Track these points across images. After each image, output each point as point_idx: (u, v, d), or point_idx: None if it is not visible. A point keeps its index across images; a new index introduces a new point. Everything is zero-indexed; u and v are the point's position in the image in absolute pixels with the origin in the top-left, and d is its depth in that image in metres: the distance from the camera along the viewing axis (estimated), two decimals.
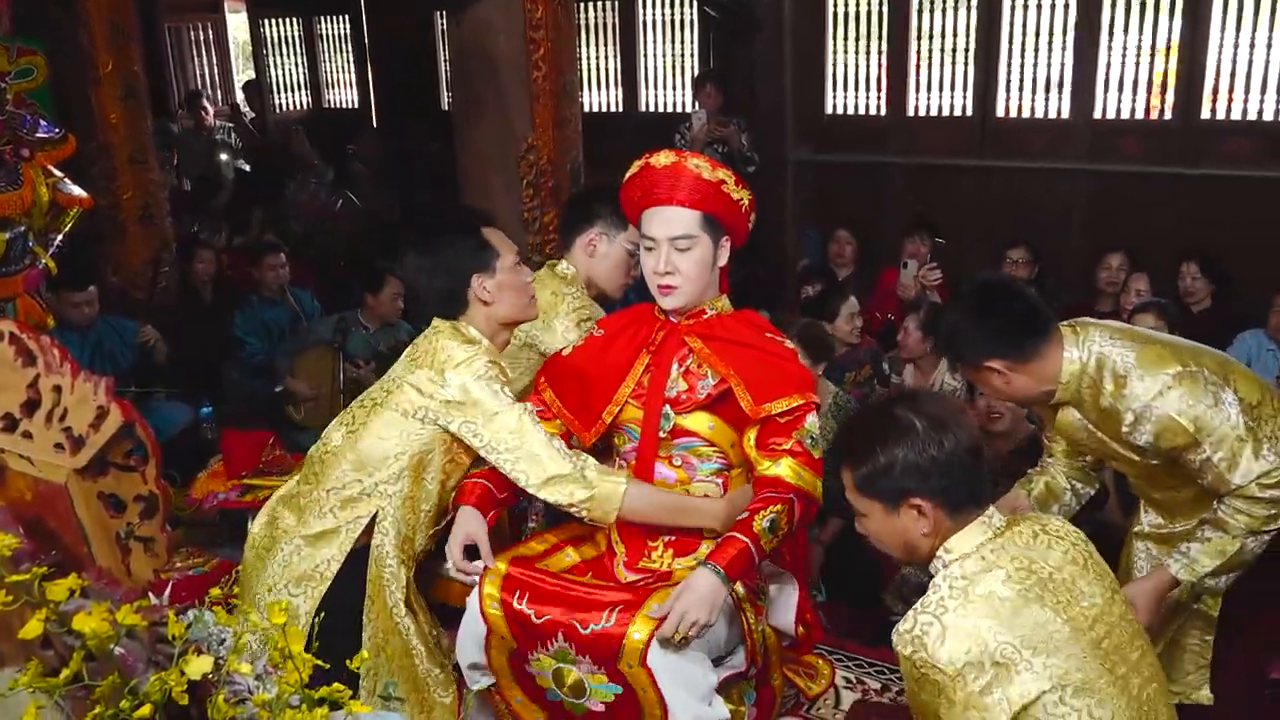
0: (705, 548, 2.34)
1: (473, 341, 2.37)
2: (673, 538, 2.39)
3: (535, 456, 2.27)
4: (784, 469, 2.23)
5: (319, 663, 1.36)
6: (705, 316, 2.36)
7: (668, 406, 2.34)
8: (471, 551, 2.28)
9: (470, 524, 2.29)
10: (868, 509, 1.83)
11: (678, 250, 2.27)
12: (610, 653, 2.11)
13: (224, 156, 7.99)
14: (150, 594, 1.51)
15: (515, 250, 2.47)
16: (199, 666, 1.28)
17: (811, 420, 2.29)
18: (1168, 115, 5.69)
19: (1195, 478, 2.27)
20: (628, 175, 2.35)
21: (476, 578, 2.25)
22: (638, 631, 2.09)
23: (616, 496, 2.27)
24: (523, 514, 2.78)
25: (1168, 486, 2.42)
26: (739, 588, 2.32)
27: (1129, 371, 2.22)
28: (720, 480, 2.38)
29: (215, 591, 1.49)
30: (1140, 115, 5.78)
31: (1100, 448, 2.38)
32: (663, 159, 2.29)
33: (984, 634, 1.63)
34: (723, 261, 2.35)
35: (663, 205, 2.28)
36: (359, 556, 2.36)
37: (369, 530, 2.36)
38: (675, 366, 2.36)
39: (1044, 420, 2.60)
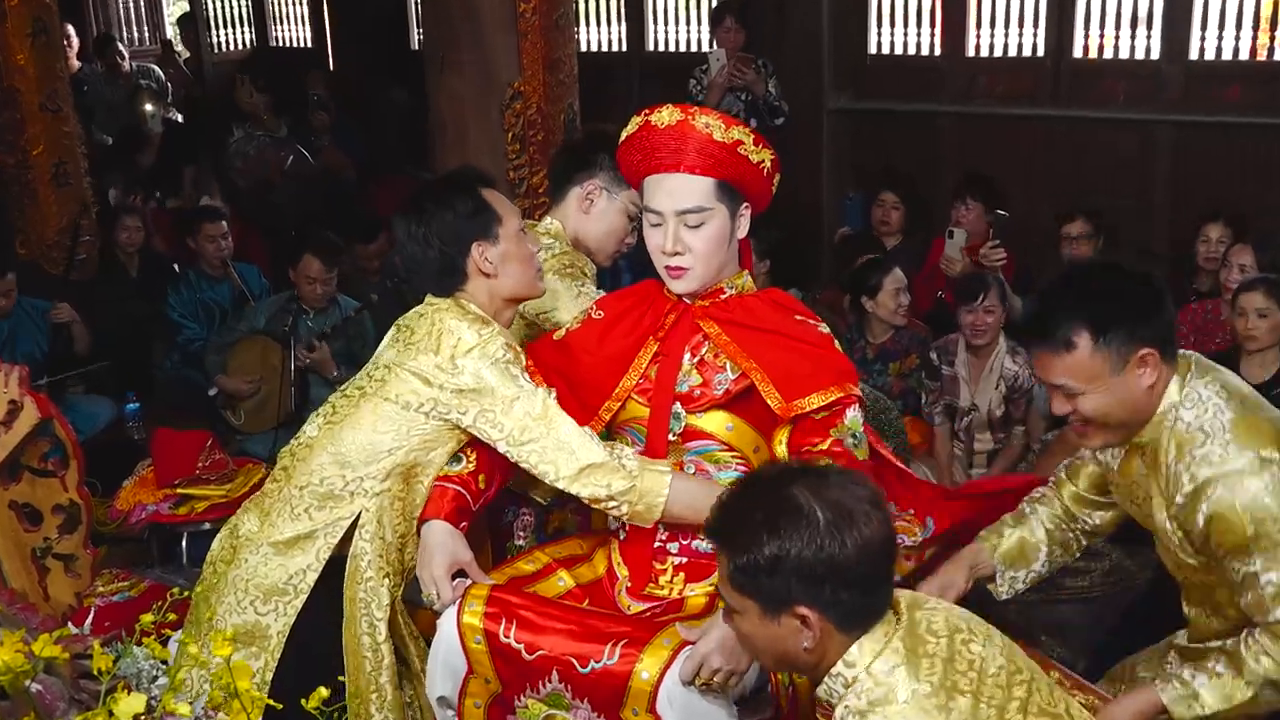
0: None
1: (484, 321, 2.40)
2: (683, 560, 2.39)
3: (565, 444, 2.29)
4: None
5: (271, 703, 1.38)
6: (723, 297, 2.36)
7: (678, 404, 2.34)
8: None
9: (452, 543, 2.30)
10: (740, 606, 1.78)
11: (687, 226, 2.25)
12: (614, 696, 2.10)
13: (148, 106, 7.94)
14: (70, 623, 1.53)
15: (519, 215, 2.49)
16: (130, 706, 1.29)
17: (853, 415, 2.30)
18: (1277, 55, 5.67)
19: (1234, 592, 2.15)
20: (624, 135, 2.34)
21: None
22: (646, 670, 2.08)
23: (662, 486, 2.28)
24: (508, 529, 2.79)
25: (1211, 603, 2.28)
26: None
27: (1214, 433, 2.10)
28: None
29: (146, 619, 1.51)
30: (1244, 55, 5.76)
31: (1143, 513, 2.26)
32: (665, 117, 2.25)
33: None
34: (742, 233, 2.34)
35: (668, 172, 2.25)
36: (342, 568, 2.39)
37: (350, 537, 2.38)
38: (688, 357, 2.35)
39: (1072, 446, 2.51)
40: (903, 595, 1.83)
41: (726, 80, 5.77)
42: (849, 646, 1.74)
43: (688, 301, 2.37)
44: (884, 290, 4.48)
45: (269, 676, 2.30)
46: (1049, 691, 1.80)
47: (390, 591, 2.40)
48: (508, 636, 2.18)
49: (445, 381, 2.33)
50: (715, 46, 6.00)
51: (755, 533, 1.71)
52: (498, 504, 2.74)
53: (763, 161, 2.28)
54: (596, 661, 2.11)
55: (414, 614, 2.58)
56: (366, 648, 2.37)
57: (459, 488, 2.38)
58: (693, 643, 2.09)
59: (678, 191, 2.25)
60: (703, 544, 2.36)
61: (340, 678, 2.35)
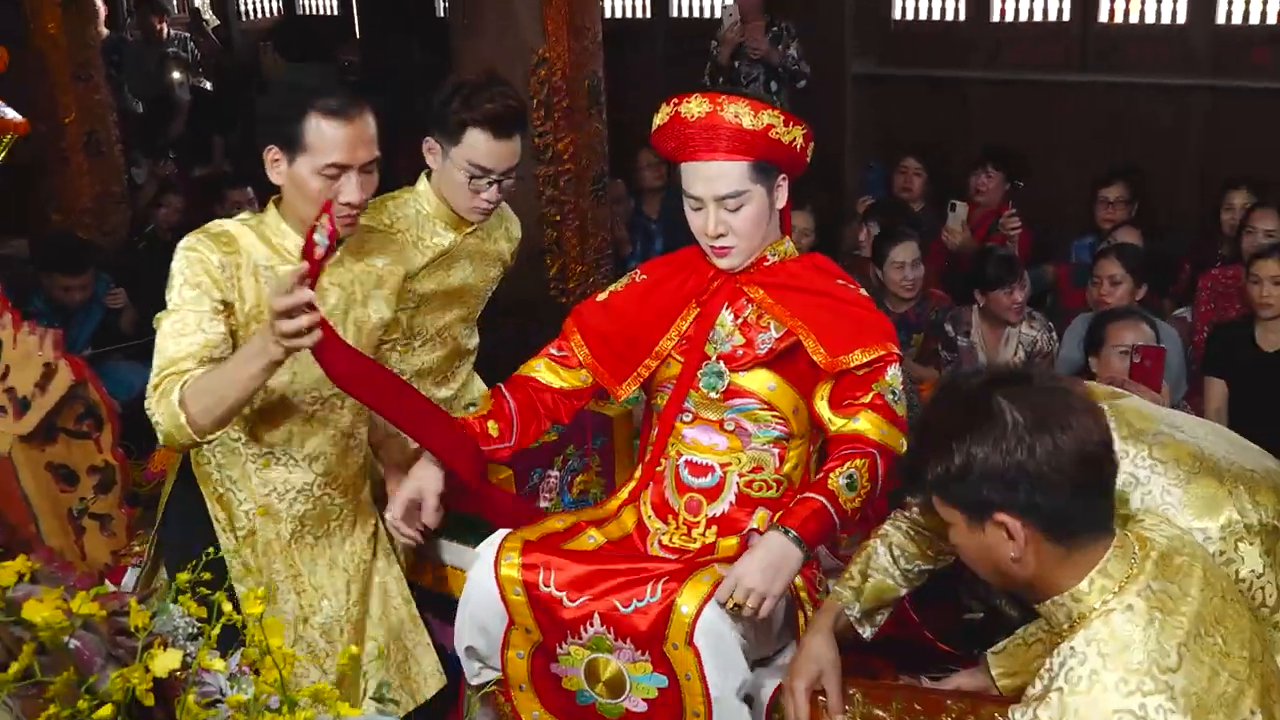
0: (757, 523, 2.37)
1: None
2: (716, 513, 2.41)
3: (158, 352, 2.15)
4: (864, 423, 2.25)
5: (302, 659, 1.39)
6: (767, 264, 2.38)
7: (722, 363, 2.36)
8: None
9: (424, 478, 2.34)
10: (950, 518, 1.74)
11: (728, 210, 2.27)
12: (657, 632, 2.12)
13: (176, 75, 7.93)
14: (107, 580, 1.55)
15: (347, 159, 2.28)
16: (165, 662, 1.30)
17: (893, 372, 2.31)
18: None
19: None
20: (656, 123, 2.34)
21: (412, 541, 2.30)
22: (686, 604, 2.10)
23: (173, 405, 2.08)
24: (534, 492, 2.81)
25: None
26: (796, 577, 2.33)
27: (1171, 519, 1.97)
28: (777, 451, 2.38)
29: (182, 577, 1.52)
30: (1272, 20, 5.66)
31: None
32: (695, 108, 2.24)
33: (1152, 714, 1.52)
34: (781, 204, 2.36)
35: (703, 160, 2.26)
36: None
37: None
38: (729, 316, 2.37)
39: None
40: (1156, 537, 1.73)
41: (738, 35, 5.70)
42: (1068, 565, 1.66)
43: (732, 271, 2.39)
44: (889, 261, 4.45)
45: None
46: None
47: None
48: (548, 585, 2.20)
49: None
50: (729, 2, 5.91)
51: (946, 440, 1.66)
52: (522, 467, 2.76)
53: (794, 139, 2.29)
54: (640, 600, 2.13)
55: (434, 569, 2.68)
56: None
57: (464, 431, 2.39)
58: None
59: (714, 178, 2.26)
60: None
61: None
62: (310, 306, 1.98)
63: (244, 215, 2.39)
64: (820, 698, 2.13)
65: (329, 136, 2.18)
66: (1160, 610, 1.61)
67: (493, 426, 2.42)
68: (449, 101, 2.72)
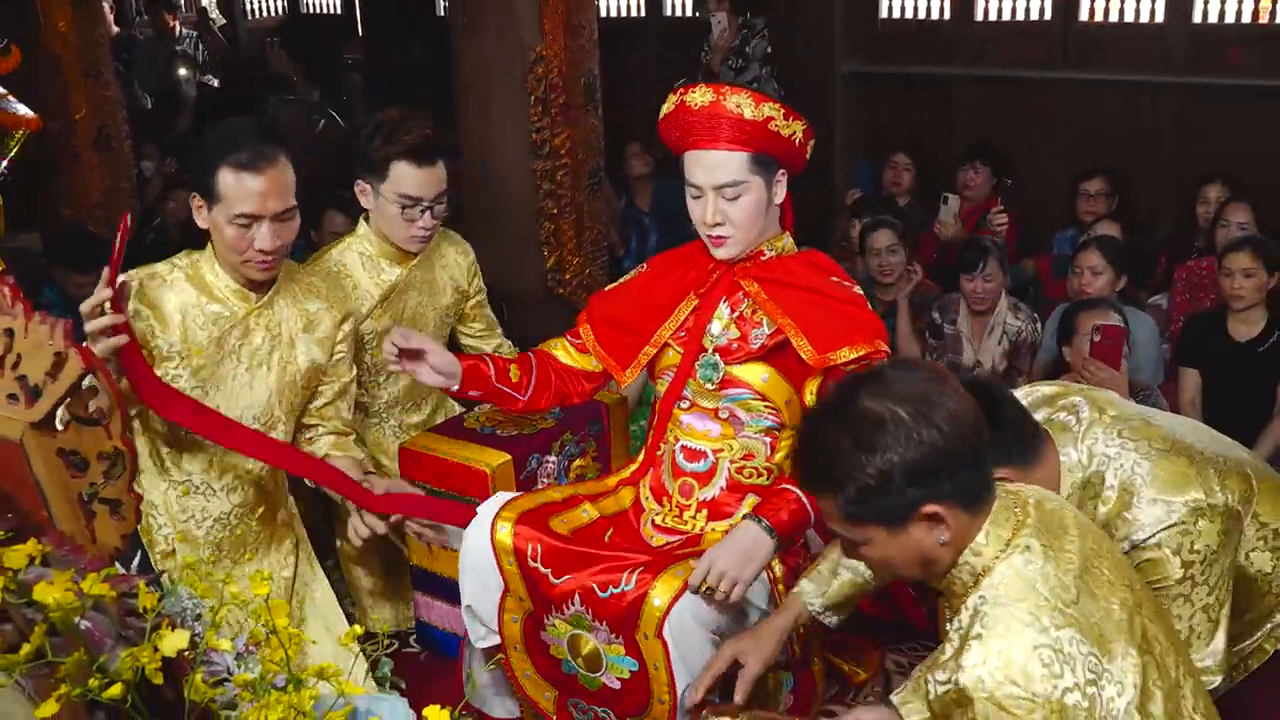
0: (747, 508, 2.38)
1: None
2: (707, 497, 2.43)
3: None
4: None
5: (307, 638, 1.39)
6: (764, 258, 2.38)
7: (718, 355, 2.37)
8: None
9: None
10: (863, 537, 1.66)
11: (726, 199, 2.28)
12: (630, 619, 2.16)
13: (183, 71, 7.90)
14: (116, 563, 1.54)
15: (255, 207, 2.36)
16: (174, 642, 1.30)
17: None
18: (1279, 19, 5.57)
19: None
20: (662, 113, 2.35)
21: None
22: (659, 596, 2.14)
23: None
24: (532, 476, 2.81)
25: None
26: (776, 565, 2.35)
27: (1138, 490, 2.04)
28: (769, 440, 2.39)
29: (189, 559, 1.52)
30: (1246, 19, 5.66)
31: None
32: (698, 98, 2.26)
33: (1067, 647, 1.54)
34: (779, 198, 2.37)
35: (704, 149, 2.27)
36: None
37: None
38: (726, 309, 2.39)
39: None
40: (1027, 491, 1.73)
41: (728, 42, 5.75)
42: (973, 530, 1.64)
43: (730, 264, 2.39)
44: (868, 249, 4.48)
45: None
46: (1156, 612, 1.73)
47: None
48: (535, 561, 2.25)
49: None
50: (713, 10, 5.95)
51: (851, 459, 1.59)
52: (521, 453, 2.77)
53: (794, 133, 2.30)
54: (615, 587, 2.18)
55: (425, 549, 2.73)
56: None
57: (487, 363, 2.48)
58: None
59: (714, 167, 2.27)
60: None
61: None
62: (115, 307, 2.16)
63: (178, 256, 2.49)
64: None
65: (238, 188, 2.27)
66: (1051, 548, 1.62)
67: (514, 371, 2.50)
68: (371, 140, 2.82)
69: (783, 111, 2.27)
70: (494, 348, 3.25)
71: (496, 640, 2.39)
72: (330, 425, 2.65)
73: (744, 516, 2.24)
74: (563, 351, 2.59)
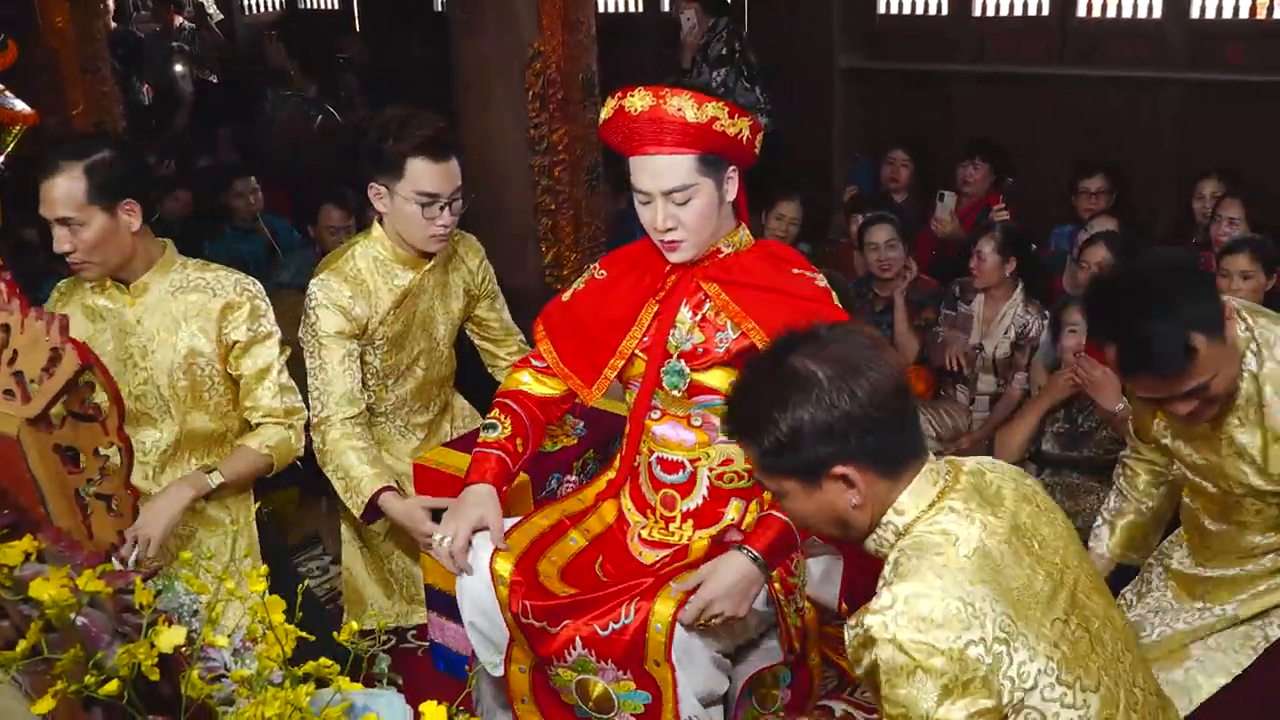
0: (730, 516, 2.36)
1: None
2: (690, 507, 2.41)
3: None
4: None
5: (303, 634, 1.39)
6: (721, 256, 2.33)
7: (683, 362, 2.33)
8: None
9: (489, 503, 2.33)
10: (782, 489, 1.72)
11: (676, 204, 2.22)
12: (635, 652, 2.14)
13: (179, 67, 7.88)
14: (114, 559, 1.54)
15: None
16: (170, 638, 1.30)
17: None
18: (1277, 15, 5.56)
19: None
20: (602, 118, 2.30)
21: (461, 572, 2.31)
22: (659, 623, 2.12)
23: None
24: (551, 496, 2.79)
25: (1239, 520, 2.27)
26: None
27: None
28: None
29: (185, 555, 1.52)
30: (1244, 15, 5.65)
31: (1217, 470, 2.21)
32: (637, 102, 2.19)
33: (979, 603, 1.55)
34: (731, 196, 2.30)
35: (649, 155, 2.21)
36: None
37: None
38: (688, 313, 2.34)
39: (1140, 424, 2.43)
40: (965, 461, 1.77)
41: (698, 39, 5.75)
42: (894, 493, 1.68)
43: (688, 266, 2.35)
44: (866, 244, 4.52)
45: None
46: (1093, 586, 1.75)
47: None
48: (528, 618, 2.22)
49: None
50: (683, 7, 5.96)
51: (766, 413, 1.65)
52: (540, 471, 2.76)
53: (740, 131, 2.22)
54: (616, 623, 2.15)
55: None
56: None
57: (499, 452, 2.39)
58: (692, 592, 2.12)
59: (661, 172, 2.21)
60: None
61: None
62: None
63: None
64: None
65: (41, 194, 2.51)
66: (976, 512, 1.65)
67: (519, 444, 2.44)
68: (383, 140, 2.76)
69: (727, 110, 2.19)
70: (508, 353, 3.20)
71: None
72: (257, 415, 2.70)
73: (735, 546, 2.21)
74: (532, 383, 2.52)
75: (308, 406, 2.79)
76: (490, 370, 3.26)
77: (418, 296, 2.95)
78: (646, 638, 2.12)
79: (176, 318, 2.61)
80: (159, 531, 2.41)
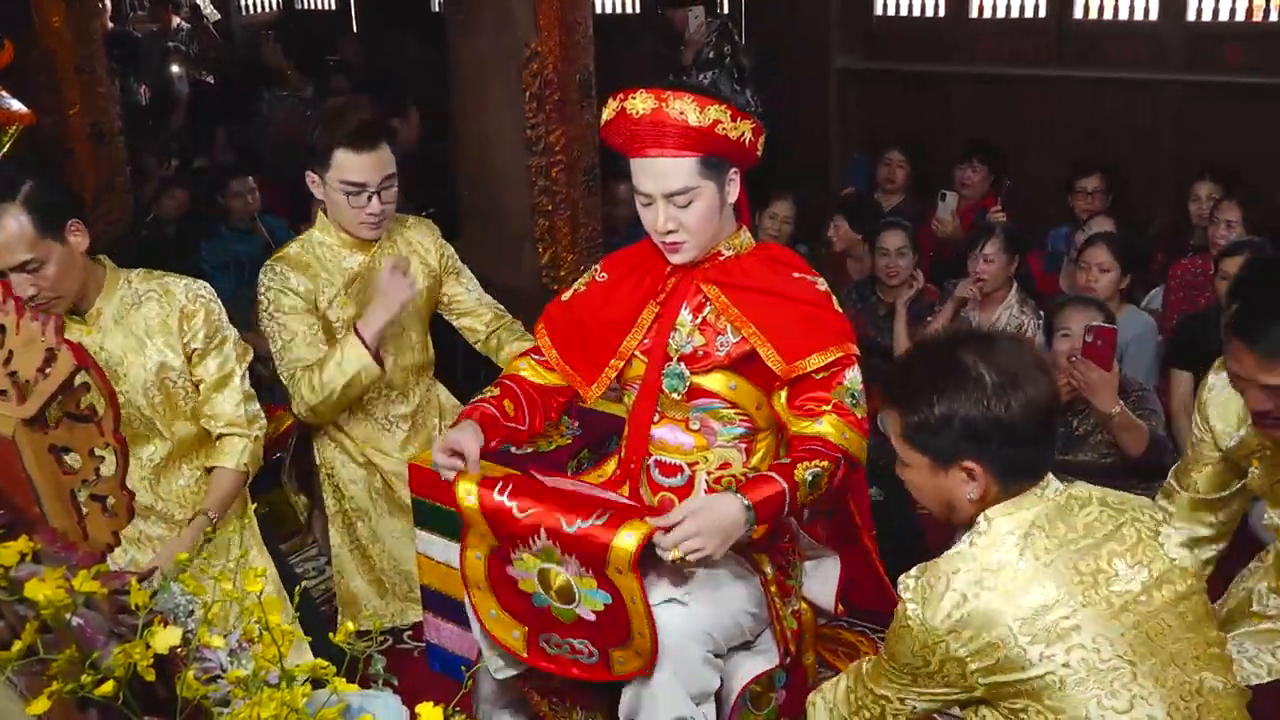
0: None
1: None
2: (672, 485, 2.40)
3: None
4: (827, 427, 2.21)
5: (300, 635, 1.39)
6: (721, 259, 2.33)
7: (683, 365, 2.33)
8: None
9: (468, 431, 2.30)
10: (912, 460, 1.86)
11: (678, 206, 2.21)
12: (597, 556, 2.08)
13: (175, 68, 7.88)
14: (109, 559, 1.54)
15: None
16: (166, 639, 1.30)
17: (852, 376, 2.27)
18: (1273, 17, 5.58)
19: None
20: (604, 119, 2.29)
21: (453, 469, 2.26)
22: (630, 532, 2.05)
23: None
24: None
25: None
26: (766, 566, 2.33)
27: None
28: (744, 446, 2.37)
29: (182, 556, 1.52)
30: (1241, 17, 5.66)
31: None
32: (640, 105, 2.18)
33: (994, 615, 1.67)
34: (733, 197, 2.30)
35: (651, 157, 2.20)
36: None
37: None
38: (689, 316, 2.34)
39: (1195, 453, 2.39)
40: (1077, 486, 1.85)
41: (703, 38, 5.75)
42: (1000, 503, 1.78)
43: (688, 267, 2.35)
44: (878, 249, 4.49)
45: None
46: (1176, 631, 1.75)
47: None
48: (500, 495, 2.18)
49: None
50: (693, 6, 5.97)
51: (926, 394, 1.78)
52: (534, 470, 2.74)
53: (743, 134, 2.22)
54: (583, 521, 2.09)
55: None
56: None
57: (487, 406, 2.39)
58: (666, 530, 2.05)
59: (662, 174, 2.20)
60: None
61: None
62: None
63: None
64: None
65: None
66: (1040, 530, 1.74)
67: (508, 405, 2.42)
68: (314, 132, 2.89)
69: (730, 112, 2.18)
70: (485, 322, 3.22)
71: (513, 672, 2.36)
72: (219, 425, 2.68)
73: (731, 490, 2.16)
74: (530, 371, 2.51)
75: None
76: (478, 348, 3.26)
77: (368, 281, 3.01)
78: (610, 545, 2.05)
79: (140, 336, 2.57)
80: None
